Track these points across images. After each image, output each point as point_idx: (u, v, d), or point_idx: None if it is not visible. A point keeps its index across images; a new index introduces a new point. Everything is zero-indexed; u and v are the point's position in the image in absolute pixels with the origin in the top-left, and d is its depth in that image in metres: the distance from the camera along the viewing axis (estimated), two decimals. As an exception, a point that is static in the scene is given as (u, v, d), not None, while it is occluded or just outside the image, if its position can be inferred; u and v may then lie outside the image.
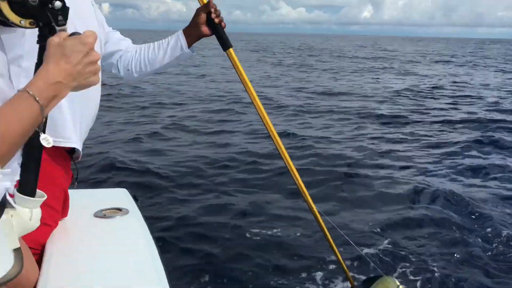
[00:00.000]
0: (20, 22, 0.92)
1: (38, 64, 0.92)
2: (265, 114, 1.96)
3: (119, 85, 12.54)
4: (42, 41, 0.94)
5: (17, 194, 0.99)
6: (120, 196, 1.91)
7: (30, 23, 0.93)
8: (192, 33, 1.80)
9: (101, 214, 1.70)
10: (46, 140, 0.93)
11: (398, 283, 1.81)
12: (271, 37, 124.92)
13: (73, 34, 0.93)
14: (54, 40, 0.90)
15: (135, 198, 1.89)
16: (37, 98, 0.85)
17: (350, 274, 2.79)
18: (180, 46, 1.81)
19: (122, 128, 7.73)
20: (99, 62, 0.98)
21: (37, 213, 1.03)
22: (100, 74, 1.59)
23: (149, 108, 9.72)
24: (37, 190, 1.02)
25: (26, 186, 0.99)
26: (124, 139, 6.86)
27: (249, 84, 1.92)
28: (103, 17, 1.69)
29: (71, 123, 1.51)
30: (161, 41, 1.86)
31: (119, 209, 1.74)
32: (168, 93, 12.11)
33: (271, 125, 1.96)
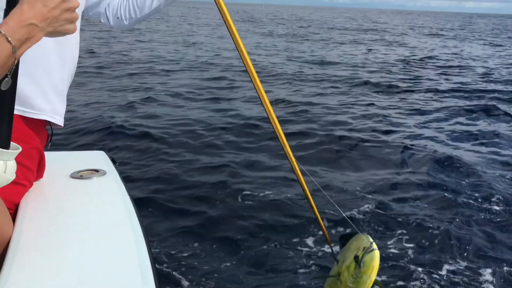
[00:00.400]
0: None
1: (7, 10, 0.87)
2: (252, 68, 1.82)
3: (107, 53, 12.18)
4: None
5: None
6: (98, 158, 1.85)
7: None
8: None
9: (78, 175, 1.62)
10: (7, 82, 0.87)
11: (372, 240, 1.75)
12: (258, 7, 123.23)
13: None
14: None
15: (113, 160, 1.84)
16: (9, 39, 0.82)
17: (332, 233, 2.71)
18: None
19: (111, 94, 7.49)
20: (78, 11, 0.94)
21: (12, 166, 0.97)
22: (78, 25, 1.40)
23: (140, 75, 9.44)
24: (12, 143, 0.97)
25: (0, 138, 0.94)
26: (113, 104, 6.66)
27: (236, 32, 1.75)
28: None
29: (43, 90, 1.41)
30: None
31: (96, 171, 1.66)
32: (158, 60, 11.78)
33: (257, 79, 1.84)
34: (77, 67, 1.60)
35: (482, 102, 7.81)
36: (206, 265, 2.71)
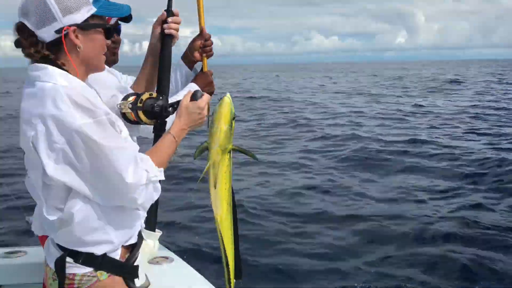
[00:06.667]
0: (149, 122, 1.52)
1: (158, 136, 1.55)
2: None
3: None
4: (158, 131, 1.59)
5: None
6: None
7: (154, 122, 1.55)
8: (191, 60, 1.85)
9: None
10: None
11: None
12: (312, 66, 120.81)
13: (193, 97, 1.49)
14: (183, 103, 1.49)
15: None
16: (176, 139, 1.47)
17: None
18: (189, 79, 1.84)
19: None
20: (204, 111, 1.52)
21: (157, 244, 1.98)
22: None
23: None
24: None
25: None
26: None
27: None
28: (118, 72, 2.01)
29: None
30: (171, 79, 1.80)
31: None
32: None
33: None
34: None
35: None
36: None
